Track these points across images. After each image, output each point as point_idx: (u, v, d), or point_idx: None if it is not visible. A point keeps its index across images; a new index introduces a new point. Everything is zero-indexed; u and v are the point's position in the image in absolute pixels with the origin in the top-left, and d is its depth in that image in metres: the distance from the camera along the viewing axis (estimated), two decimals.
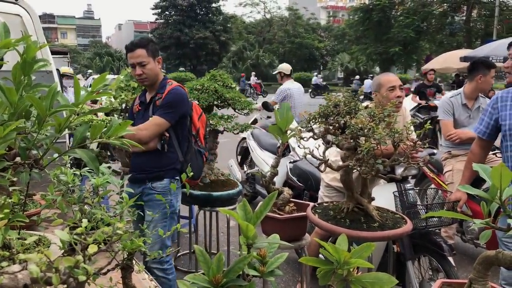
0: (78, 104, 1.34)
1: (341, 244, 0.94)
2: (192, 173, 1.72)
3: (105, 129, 1.34)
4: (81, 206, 1.68)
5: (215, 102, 3.55)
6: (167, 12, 43.89)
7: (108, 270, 1.20)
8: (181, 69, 36.57)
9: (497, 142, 2.91)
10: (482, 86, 4.04)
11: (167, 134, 2.85)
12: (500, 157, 2.95)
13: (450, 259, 2.94)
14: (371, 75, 36.81)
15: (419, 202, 3.09)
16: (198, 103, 3.37)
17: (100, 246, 0.98)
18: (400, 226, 2.22)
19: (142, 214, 2.79)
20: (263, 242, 0.86)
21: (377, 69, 42.61)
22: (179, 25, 41.68)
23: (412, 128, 3.34)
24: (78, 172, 1.85)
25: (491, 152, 4.01)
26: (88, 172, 1.90)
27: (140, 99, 3.07)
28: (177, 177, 2.94)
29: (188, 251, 4.16)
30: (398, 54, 26.61)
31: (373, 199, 2.33)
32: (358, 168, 2.06)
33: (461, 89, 4.26)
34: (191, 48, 41.05)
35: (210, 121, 3.48)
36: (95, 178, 1.83)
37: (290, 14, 46.92)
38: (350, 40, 34.01)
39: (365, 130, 2.12)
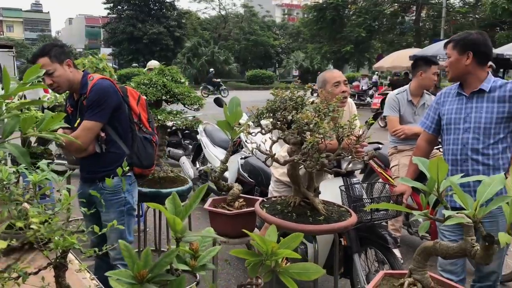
0: (6, 96, 1.28)
1: (270, 235, 0.93)
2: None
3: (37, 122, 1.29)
4: (14, 204, 1.60)
5: (164, 97, 3.49)
6: (119, 7, 42.82)
7: (39, 270, 1.15)
8: (134, 64, 35.83)
9: None
10: (424, 82, 4.17)
11: (103, 134, 2.71)
12: None
13: (395, 251, 3.03)
14: None
15: (365, 196, 3.16)
16: (146, 98, 3.28)
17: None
18: (345, 219, 2.27)
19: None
20: (194, 236, 0.85)
21: (331, 67, 43.35)
22: (132, 20, 40.76)
23: (357, 122, 3.41)
24: (15, 169, 1.77)
25: (435, 148, 4.16)
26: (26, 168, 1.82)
27: (69, 102, 2.90)
28: (129, 174, 2.85)
29: (137, 250, 4.08)
30: (351, 53, 27.15)
31: (319, 193, 2.36)
32: (303, 163, 2.08)
33: (407, 86, 4.38)
34: (145, 43, 40.27)
35: (159, 117, 3.42)
36: (32, 175, 1.75)
37: (245, 11, 46.94)
38: (305, 39, 34.41)
39: (311, 125, 2.14)
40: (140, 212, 3.99)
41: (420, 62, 4.22)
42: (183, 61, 37.79)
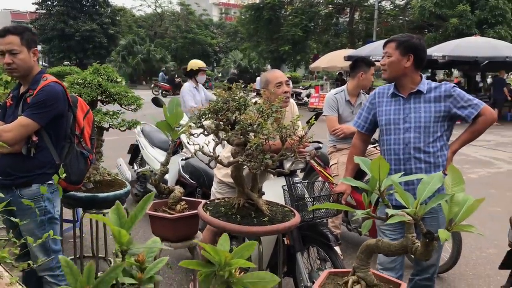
0: None
1: (223, 244, 0.90)
2: (65, 175, 1.57)
3: None
4: None
5: (99, 97, 3.35)
6: (49, 2, 40.81)
7: None
8: (66, 63, 34.37)
9: (377, 135, 3.10)
10: (363, 82, 4.29)
11: (35, 138, 2.56)
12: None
13: (336, 248, 3.08)
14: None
15: (307, 195, 3.19)
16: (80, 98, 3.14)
17: None
18: (289, 219, 2.27)
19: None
20: (140, 248, 0.79)
21: (269, 67, 43.77)
22: (63, 16, 38.99)
23: (299, 123, 3.44)
24: None
25: (371, 146, 4.28)
26: None
27: (13, 93, 2.77)
28: (50, 182, 2.67)
29: (73, 257, 3.89)
30: (288, 53, 27.56)
31: (263, 193, 2.35)
32: (248, 164, 2.06)
33: (344, 86, 4.48)
34: (77, 41, 38.67)
35: (94, 118, 3.27)
36: None
37: (182, 9, 46.29)
38: (243, 38, 34.50)
39: (254, 126, 2.12)
40: (76, 217, 3.80)
41: (361, 63, 4.33)
42: (117, 60, 36.69)
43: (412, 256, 3.13)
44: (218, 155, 2.23)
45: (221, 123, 2.25)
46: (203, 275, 0.84)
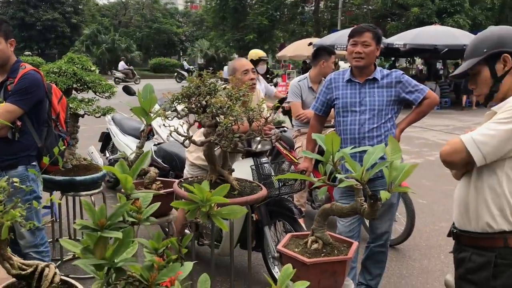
0: None
1: (203, 186, 1.14)
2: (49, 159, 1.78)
3: None
4: None
5: (74, 85, 3.50)
6: None
7: None
8: (27, 53, 33.45)
9: None
10: (325, 70, 4.57)
11: (19, 123, 2.76)
12: None
13: (301, 221, 3.37)
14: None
15: (273, 174, 3.46)
16: (56, 86, 3.30)
17: None
18: (256, 192, 2.52)
19: None
20: (138, 193, 1.03)
21: (236, 55, 43.85)
22: (23, 4, 37.89)
23: (265, 106, 3.70)
24: None
25: (332, 129, 4.58)
26: None
27: None
28: (34, 163, 2.88)
29: (51, 240, 4.05)
30: (254, 41, 27.75)
31: (233, 170, 2.60)
32: (219, 143, 2.29)
33: (307, 74, 4.76)
34: (38, 30, 37.71)
35: (70, 105, 3.43)
36: None
37: None
38: (209, 27, 34.44)
39: (224, 109, 2.36)
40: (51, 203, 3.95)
41: (323, 52, 4.61)
42: (81, 49, 36.02)
43: (368, 226, 3.46)
44: (192, 135, 2.45)
45: (193, 106, 2.47)
46: (190, 210, 1.08)
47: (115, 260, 0.97)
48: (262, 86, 5.97)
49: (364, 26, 3.08)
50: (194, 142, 2.44)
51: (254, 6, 28.28)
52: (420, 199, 5.82)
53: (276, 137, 3.70)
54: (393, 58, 26.13)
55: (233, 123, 2.27)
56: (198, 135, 3.39)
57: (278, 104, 2.60)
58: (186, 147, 2.52)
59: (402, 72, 3.15)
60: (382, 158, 1.83)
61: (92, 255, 0.93)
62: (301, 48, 20.91)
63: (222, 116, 2.37)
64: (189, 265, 1.07)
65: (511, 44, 1.94)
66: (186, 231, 3.80)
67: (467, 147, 1.88)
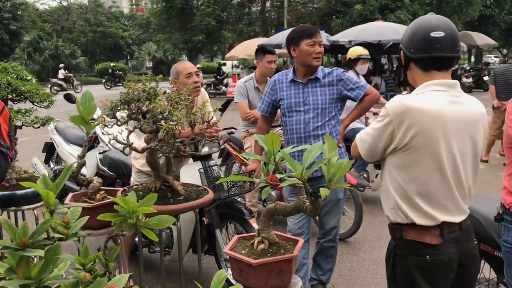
0: None
1: (130, 197, 1.12)
2: None
3: None
4: None
5: (10, 96, 3.36)
6: None
7: None
8: None
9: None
10: (262, 70, 4.60)
11: None
12: None
13: (252, 221, 3.38)
14: None
15: (222, 176, 3.45)
16: None
17: None
18: (203, 196, 2.51)
19: None
20: (64, 207, 0.99)
21: (185, 57, 43.44)
22: None
23: (210, 109, 3.68)
24: None
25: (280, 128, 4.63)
26: None
27: None
28: None
29: None
30: (203, 43, 27.57)
31: (178, 175, 2.57)
32: (160, 149, 2.26)
33: (252, 74, 4.78)
34: None
35: None
36: None
37: (89, 1, 44.49)
38: (155, 29, 33.91)
39: (164, 114, 2.33)
40: None
41: (258, 52, 4.65)
42: (23, 57, 34.59)
43: (318, 221, 3.51)
44: (132, 142, 2.40)
45: (133, 113, 2.42)
46: (117, 222, 1.05)
47: (43, 279, 0.93)
48: None
49: (314, 27, 3.16)
50: (135, 149, 2.39)
51: (200, 7, 28.10)
52: (370, 191, 5.98)
53: (224, 139, 3.70)
54: (340, 55, 26.80)
55: (175, 128, 2.24)
56: (143, 141, 3.33)
57: (221, 107, 2.59)
58: (126, 155, 2.47)
59: (342, 70, 3.22)
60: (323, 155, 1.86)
61: (16, 275, 0.89)
62: (250, 48, 20.92)
63: (163, 122, 2.34)
64: (124, 277, 1.04)
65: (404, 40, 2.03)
66: (137, 239, 3.73)
67: (357, 144, 2.06)
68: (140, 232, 3.16)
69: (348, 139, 5.02)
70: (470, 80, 21.78)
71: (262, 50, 4.63)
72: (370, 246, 4.36)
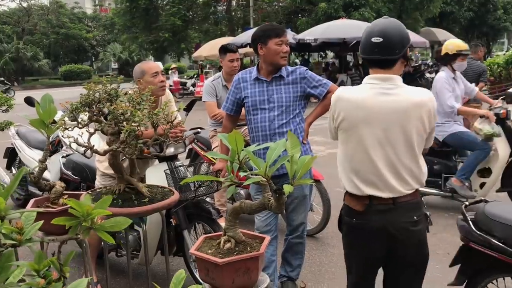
0: None
1: (84, 201, 1.10)
2: None
3: None
4: None
5: None
6: None
7: None
8: None
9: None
10: (225, 68, 4.61)
11: None
12: None
13: (221, 221, 3.37)
14: None
15: (189, 176, 3.42)
16: None
17: None
18: (168, 197, 2.48)
19: None
20: (15, 213, 0.97)
21: (151, 58, 42.87)
22: None
23: (174, 108, 3.65)
24: None
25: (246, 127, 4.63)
26: None
27: None
28: None
29: None
30: (170, 42, 27.29)
31: (142, 177, 2.54)
32: (122, 150, 2.23)
33: (220, 73, 4.77)
34: None
35: None
36: None
37: (51, 2, 43.33)
38: (120, 30, 33.34)
39: (126, 115, 2.29)
40: None
41: (220, 51, 4.66)
42: None
43: (285, 219, 3.53)
44: (93, 145, 2.36)
45: (94, 115, 2.38)
46: (71, 226, 1.03)
47: None
48: (461, 86, 5.06)
49: (281, 26, 3.18)
50: (96, 152, 2.35)
51: (165, 7, 27.81)
52: (337, 187, 6.03)
53: (190, 139, 3.67)
54: (308, 53, 27.01)
55: (137, 129, 2.21)
56: (105, 143, 3.28)
57: (184, 106, 2.57)
58: (88, 158, 2.42)
59: (305, 68, 3.25)
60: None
61: None
62: (216, 47, 20.71)
63: (125, 123, 2.31)
64: (83, 282, 1.02)
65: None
66: (103, 243, 3.67)
67: None
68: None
69: (447, 144, 4.93)
70: (433, 75, 22.29)
71: (223, 49, 4.63)
72: (339, 241, 4.33)
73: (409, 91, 2.21)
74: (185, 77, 24.36)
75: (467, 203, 2.64)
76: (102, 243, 3.57)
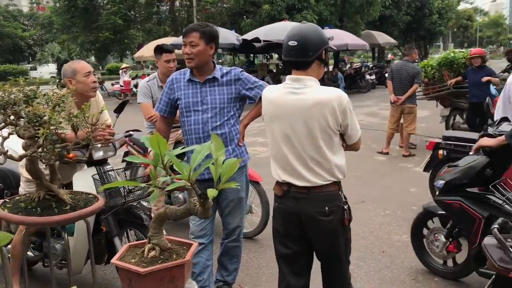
0: None
1: None
2: None
3: None
4: None
5: None
6: None
7: None
8: None
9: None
10: (161, 69, 4.49)
11: None
12: None
13: None
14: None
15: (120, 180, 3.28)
16: None
17: None
18: (91, 204, 2.35)
19: None
20: None
21: (92, 58, 41.51)
22: None
23: (106, 112, 3.51)
24: None
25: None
26: None
27: None
28: None
29: None
30: (111, 42, 26.51)
31: (63, 184, 2.39)
32: (39, 156, 2.08)
33: (156, 73, 4.64)
34: None
35: None
36: None
37: None
38: (59, 29, 32.04)
39: (44, 117, 2.15)
40: None
41: (156, 51, 4.54)
42: None
43: (221, 222, 3.47)
44: (7, 150, 2.20)
45: (9, 117, 2.21)
46: None
47: None
48: None
49: (193, 25, 3.04)
50: (11, 158, 2.19)
51: (106, 6, 27.00)
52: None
53: (120, 142, 3.53)
54: (252, 55, 27.09)
55: (54, 133, 2.07)
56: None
57: (106, 107, 2.45)
58: (1, 164, 2.25)
59: (241, 69, 3.19)
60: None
61: None
62: None
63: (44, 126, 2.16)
64: None
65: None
66: (29, 253, 3.47)
67: None
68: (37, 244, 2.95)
69: None
70: (373, 77, 23.03)
71: (159, 49, 4.52)
72: None
73: (316, 91, 2.35)
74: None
75: (497, 226, 2.26)
76: (29, 252, 3.39)
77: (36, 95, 2.27)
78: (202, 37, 2.94)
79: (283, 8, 21.50)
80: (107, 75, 37.74)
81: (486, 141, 3.21)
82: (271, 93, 2.48)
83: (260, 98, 3.11)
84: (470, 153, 3.40)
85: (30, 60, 44.30)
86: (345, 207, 2.42)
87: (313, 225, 2.41)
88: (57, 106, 2.15)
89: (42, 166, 2.35)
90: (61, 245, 3.31)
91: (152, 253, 1.94)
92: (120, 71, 22.58)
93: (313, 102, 2.31)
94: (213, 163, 1.78)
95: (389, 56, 41.93)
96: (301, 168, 2.37)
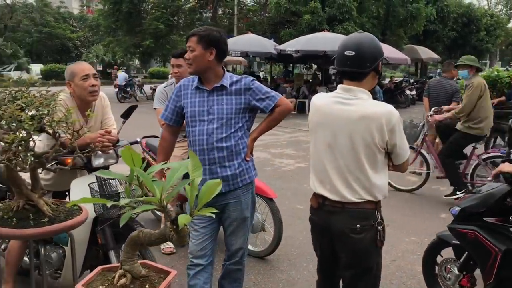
0: None
1: None
2: None
3: None
4: None
5: None
6: None
7: None
8: None
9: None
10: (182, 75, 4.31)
11: None
12: None
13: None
14: (125, 68, 36.27)
15: (122, 190, 3.11)
16: None
17: None
18: (73, 217, 2.17)
19: None
20: None
21: (137, 62, 42.37)
22: None
23: (110, 115, 3.35)
24: None
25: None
26: None
27: None
28: None
29: None
30: (154, 47, 26.86)
31: (44, 193, 2.22)
32: (9, 162, 1.92)
33: (173, 79, 4.47)
34: None
35: None
36: None
37: (36, 1, 42.70)
38: (105, 32, 32.83)
39: (16, 122, 1.98)
40: None
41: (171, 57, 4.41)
42: None
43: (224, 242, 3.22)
44: None
45: None
46: None
47: None
48: None
49: (195, 30, 2.83)
50: None
51: (150, 11, 27.45)
52: (298, 204, 5.77)
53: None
54: (291, 65, 26.87)
55: (28, 139, 1.90)
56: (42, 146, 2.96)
57: (93, 114, 2.27)
58: None
59: (252, 78, 2.96)
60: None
61: None
62: None
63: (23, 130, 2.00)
64: None
65: None
66: (25, 259, 3.34)
67: None
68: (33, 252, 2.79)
69: None
70: (414, 92, 22.34)
71: (173, 55, 4.36)
72: (289, 265, 4.11)
73: (365, 104, 2.27)
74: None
75: None
76: (25, 258, 3.27)
77: (22, 96, 2.11)
78: (199, 42, 2.73)
79: (324, 19, 21.20)
80: (149, 78, 38.35)
81: (507, 167, 2.86)
82: (319, 100, 2.44)
83: (272, 110, 2.89)
84: (489, 178, 3.08)
85: (77, 60, 45.62)
86: (379, 227, 2.34)
87: (343, 241, 2.35)
88: (27, 108, 1.98)
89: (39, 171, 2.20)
90: (57, 254, 3.17)
91: (123, 280, 1.73)
92: (169, 75, 22.77)
93: (361, 115, 2.25)
94: (189, 184, 1.56)
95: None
96: (339, 182, 2.31)
